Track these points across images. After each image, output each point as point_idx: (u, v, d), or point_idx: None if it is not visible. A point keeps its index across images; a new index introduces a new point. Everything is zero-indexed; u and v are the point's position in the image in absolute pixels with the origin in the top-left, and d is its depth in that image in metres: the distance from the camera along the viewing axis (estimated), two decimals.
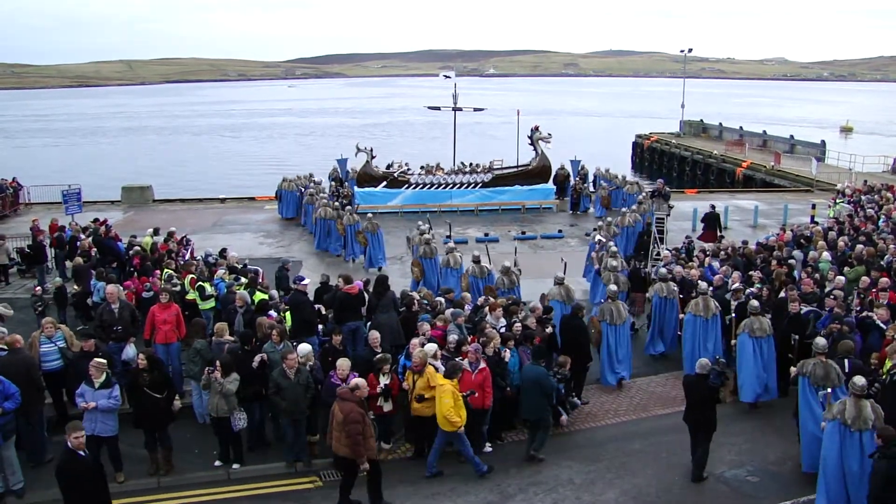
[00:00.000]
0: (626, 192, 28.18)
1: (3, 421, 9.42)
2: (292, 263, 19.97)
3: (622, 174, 31.52)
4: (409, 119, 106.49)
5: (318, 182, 29.20)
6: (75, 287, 16.01)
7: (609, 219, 21.97)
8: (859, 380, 8.52)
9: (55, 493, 9.72)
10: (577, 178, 30.34)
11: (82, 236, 18.73)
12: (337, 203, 24.73)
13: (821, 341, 10.09)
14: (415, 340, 10.98)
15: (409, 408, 10.40)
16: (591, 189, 30.75)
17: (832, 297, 12.56)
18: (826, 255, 15.85)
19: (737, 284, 13.78)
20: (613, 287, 13.78)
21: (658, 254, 19.26)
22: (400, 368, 10.84)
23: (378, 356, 10.58)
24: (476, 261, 16.07)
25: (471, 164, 31.40)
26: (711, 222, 23.01)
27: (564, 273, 14.57)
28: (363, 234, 21.16)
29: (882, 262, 15.02)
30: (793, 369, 10.35)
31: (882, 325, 11.21)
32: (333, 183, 30.63)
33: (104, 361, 9.86)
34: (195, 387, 11.39)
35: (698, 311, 13.00)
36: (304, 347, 10.67)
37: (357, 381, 9.19)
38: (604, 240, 18.21)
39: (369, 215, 22.05)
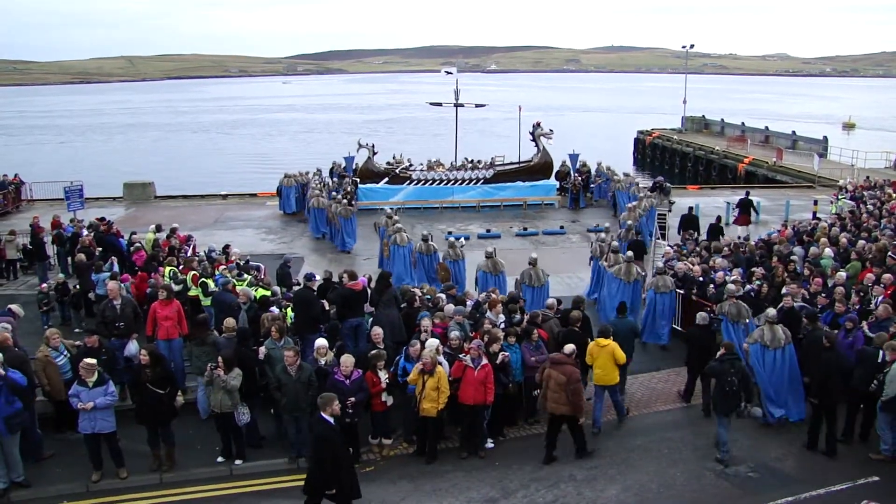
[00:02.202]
0: (617, 188, 28.36)
1: (10, 412, 9.41)
2: (294, 260, 20.02)
3: (622, 171, 31.39)
4: (411, 115, 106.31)
5: (322, 176, 29.28)
6: (77, 285, 16.02)
7: (633, 203, 23.26)
8: (771, 311, 11.44)
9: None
10: (577, 174, 30.31)
11: (84, 233, 18.74)
12: (335, 194, 25.13)
13: (731, 286, 12.91)
14: (415, 343, 10.86)
15: (418, 408, 10.29)
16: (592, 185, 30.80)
17: (823, 294, 12.65)
18: (828, 251, 15.83)
19: (734, 277, 13.88)
20: (534, 255, 15.93)
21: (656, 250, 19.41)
22: (400, 370, 10.76)
23: (372, 352, 10.57)
24: (425, 239, 18.06)
25: (472, 161, 31.36)
26: (745, 207, 24.41)
27: (494, 252, 16.47)
28: (336, 216, 22.70)
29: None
30: (701, 313, 12.50)
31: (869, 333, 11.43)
32: (337, 178, 30.58)
33: (94, 361, 9.82)
34: (200, 382, 11.37)
35: (619, 274, 15.23)
36: (322, 340, 10.78)
37: (572, 345, 10.41)
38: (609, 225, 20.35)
39: (343, 201, 23.62)
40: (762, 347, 11.11)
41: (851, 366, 10.47)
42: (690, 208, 22.76)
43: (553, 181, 30.27)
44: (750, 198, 25.08)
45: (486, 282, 15.65)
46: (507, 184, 29.54)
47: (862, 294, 13.01)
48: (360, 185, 28.69)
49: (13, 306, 12.45)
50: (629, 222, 20.42)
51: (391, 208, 22.23)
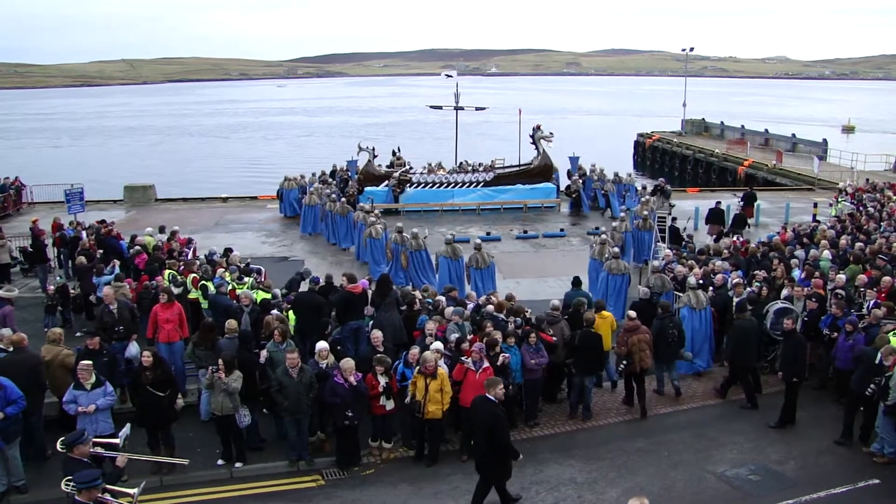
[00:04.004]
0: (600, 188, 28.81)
1: (5, 424, 9.35)
2: (295, 263, 20.05)
3: (615, 173, 31.28)
4: (412, 118, 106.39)
5: (328, 180, 29.33)
6: (76, 287, 16.03)
7: (645, 197, 24.69)
8: (692, 279, 13.77)
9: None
10: (577, 176, 30.25)
11: (84, 235, 18.71)
12: (333, 195, 25.33)
13: (655, 262, 15.82)
14: (414, 349, 10.81)
15: (423, 412, 10.24)
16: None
17: (813, 299, 12.66)
18: (826, 253, 15.83)
19: (736, 280, 13.91)
20: (478, 240, 17.96)
21: (657, 252, 19.42)
22: (398, 376, 10.71)
23: (376, 356, 10.57)
24: (399, 231, 19.21)
25: (472, 164, 31.36)
26: (750, 200, 25.94)
27: (454, 237, 18.22)
28: (334, 215, 23.64)
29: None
30: (643, 288, 14.04)
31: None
32: (339, 181, 30.57)
33: (90, 363, 9.78)
34: (203, 385, 11.33)
35: (594, 255, 17.51)
36: (323, 343, 10.81)
37: (632, 311, 12.45)
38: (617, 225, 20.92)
39: (342, 200, 24.38)
40: (690, 309, 13.32)
41: (805, 347, 11.80)
42: (717, 202, 24.03)
43: (552, 184, 30.24)
44: (754, 191, 26.60)
45: (447, 266, 17.46)
46: (507, 187, 29.51)
47: (858, 297, 13.02)
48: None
49: (1, 292, 12.39)
50: (645, 213, 21.55)
51: (365, 205, 23.97)
